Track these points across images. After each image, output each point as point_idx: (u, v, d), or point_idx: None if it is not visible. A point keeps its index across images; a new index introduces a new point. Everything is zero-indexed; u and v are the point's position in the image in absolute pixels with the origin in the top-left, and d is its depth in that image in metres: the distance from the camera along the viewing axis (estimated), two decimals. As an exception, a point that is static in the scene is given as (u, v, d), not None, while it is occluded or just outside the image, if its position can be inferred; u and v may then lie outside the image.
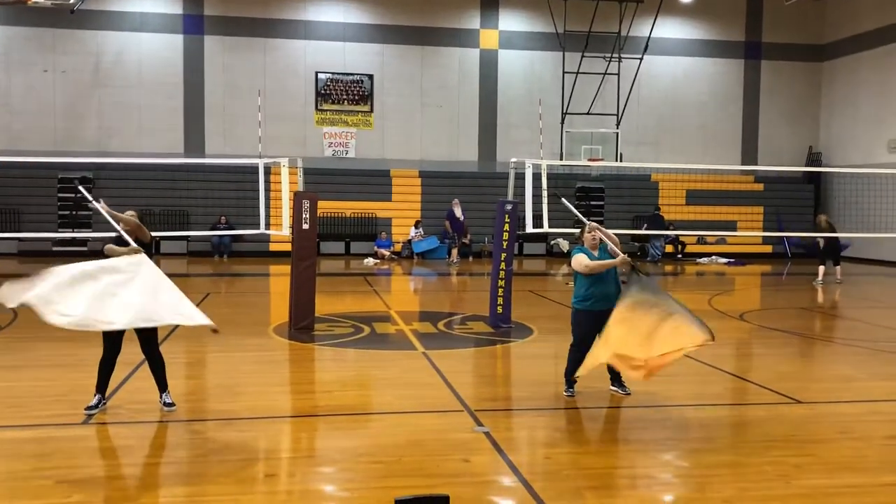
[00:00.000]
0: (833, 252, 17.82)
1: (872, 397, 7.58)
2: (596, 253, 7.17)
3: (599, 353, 6.35)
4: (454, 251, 22.20)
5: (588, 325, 7.10)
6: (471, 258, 22.80)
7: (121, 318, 5.76)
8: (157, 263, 6.38)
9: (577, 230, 7.57)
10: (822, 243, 17.75)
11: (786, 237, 24.41)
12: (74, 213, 22.46)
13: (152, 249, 6.72)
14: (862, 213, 17.43)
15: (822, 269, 17.76)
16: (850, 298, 16.02)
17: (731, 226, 24.67)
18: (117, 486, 5.06)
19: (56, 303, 5.64)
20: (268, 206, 13.93)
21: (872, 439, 6.17)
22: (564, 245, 22.87)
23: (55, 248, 21.66)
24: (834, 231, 17.65)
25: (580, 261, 7.06)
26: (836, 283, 17.65)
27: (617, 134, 24.52)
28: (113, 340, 6.42)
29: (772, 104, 27.08)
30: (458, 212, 22.19)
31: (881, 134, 24.16)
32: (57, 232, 21.66)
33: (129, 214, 6.60)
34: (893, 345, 10.38)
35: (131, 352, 6.68)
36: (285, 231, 12.12)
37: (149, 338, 6.51)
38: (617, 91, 24.60)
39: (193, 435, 6.11)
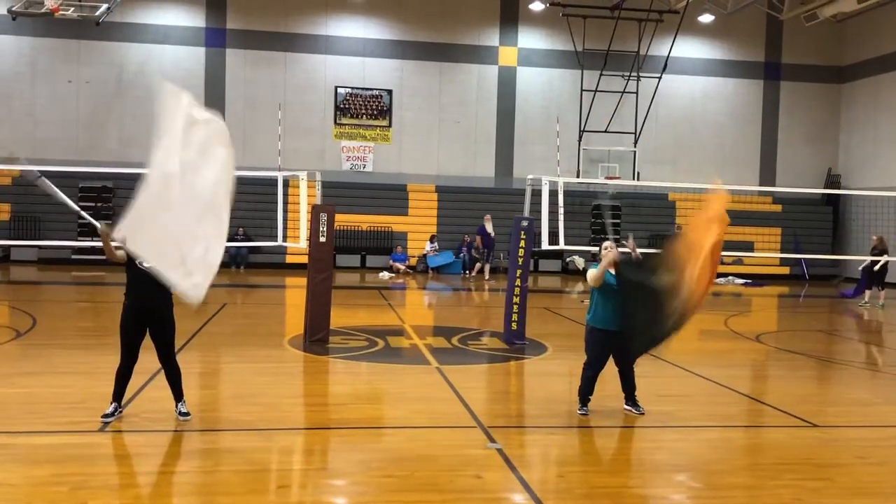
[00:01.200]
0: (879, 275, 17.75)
1: (890, 422, 7.51)
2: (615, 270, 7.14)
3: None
4: (486, 266, 22.27)
5: (601, 343, 7.09)
6: (486, 274, 22.81)
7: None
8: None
9: (595, 248, 7.59)
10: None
11: (803, 259, 24.24)
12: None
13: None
14: (882, 236, 17.55)
15: (868, 292, 17.83)
16: (868, 322, 15.87)
17: (748, 247, 24.52)
18: (132, 494, 5.10)
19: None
20: (285, 219, 14.04)
21: (889, 464, 6.11)
22: (580, 262, 22.84)
23: (74, 256, 21.90)
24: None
25: (589, 273, 7.14)
26: (864, 304, 17.75)
27: (634, 152, 24.48)
28: (131, 350, 6.47)
29: (791, 125, 26.97)
30: (489, 228, 22.24)
31: (901, 156, 24.00)
32: (76, 240, 21.88)
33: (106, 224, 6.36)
34: (912, 370, 10.28)
35: (148, 361, 6.73)
36: (302, 243, 12.20)
37: (167, 347, 6.56)
38: (635, 109, 24.59)
39: (207, 445, 6.15)
